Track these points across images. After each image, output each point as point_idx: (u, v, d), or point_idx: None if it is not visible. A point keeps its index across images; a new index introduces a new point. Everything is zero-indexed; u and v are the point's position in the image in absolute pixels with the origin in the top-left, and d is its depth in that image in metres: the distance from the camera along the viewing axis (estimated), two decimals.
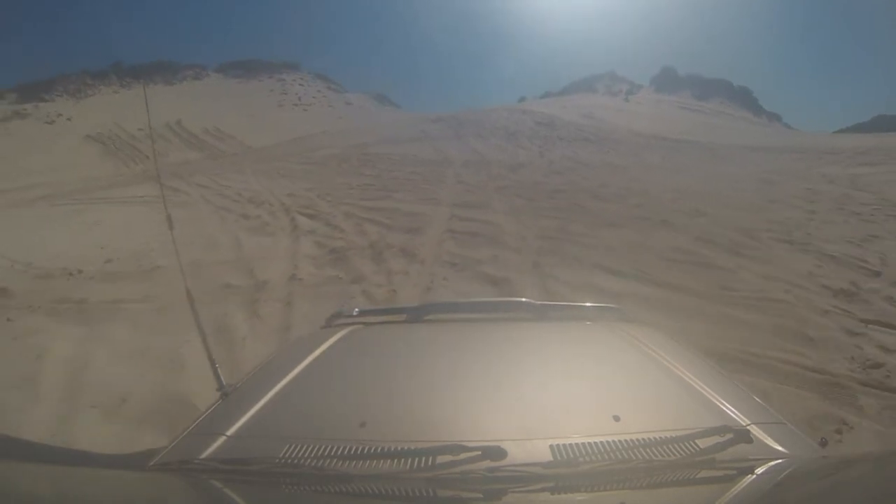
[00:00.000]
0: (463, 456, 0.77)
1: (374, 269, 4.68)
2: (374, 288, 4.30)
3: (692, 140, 18.91)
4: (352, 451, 0.82)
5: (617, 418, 0.91)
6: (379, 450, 0.82)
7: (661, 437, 0.84)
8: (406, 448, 0.80)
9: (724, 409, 0.97)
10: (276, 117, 40.68)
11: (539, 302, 1.72)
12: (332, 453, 0.82)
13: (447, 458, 0.77)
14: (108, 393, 2.78)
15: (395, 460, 0.79)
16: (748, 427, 0.89)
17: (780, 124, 42.44)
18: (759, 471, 0.78)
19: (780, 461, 0.83)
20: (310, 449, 0.84)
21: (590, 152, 14.28)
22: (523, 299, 1.77)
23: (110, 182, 15.05)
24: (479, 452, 0.76)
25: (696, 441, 0.81)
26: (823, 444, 0.96)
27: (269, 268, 4.80)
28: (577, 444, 0.82)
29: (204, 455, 0.86)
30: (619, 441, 0.83)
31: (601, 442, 0.82)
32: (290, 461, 0.81)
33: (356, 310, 1.76)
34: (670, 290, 4.11)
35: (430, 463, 0.78)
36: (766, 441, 0.87)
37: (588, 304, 2.00)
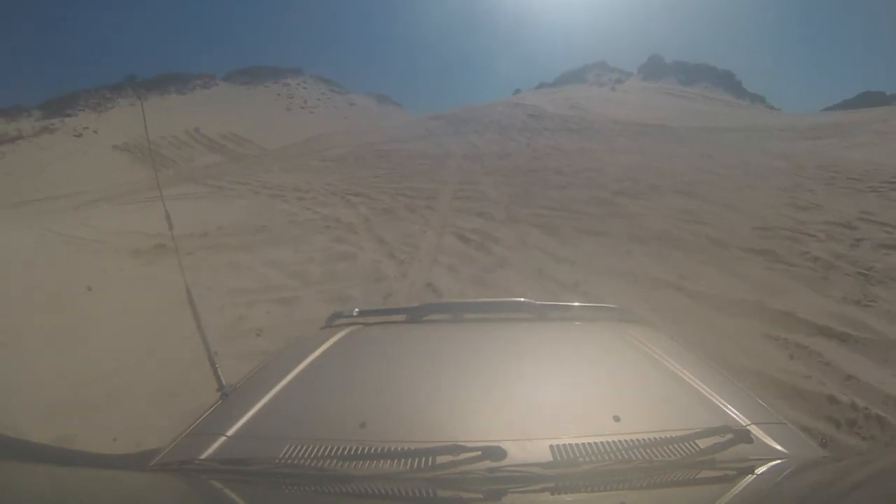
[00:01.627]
0: (463, 456, 0.78)
1: (412, 215, 7.49)
2: (416, 221, 7.15)
3: (664, 125, 20.94)
4: (352, 452, 0.84)
5: (617, 418, 0.92)
6: (379, 450, 0.83)
7: (661, 438, 0.85)
8: (406, 448, 0.81)
9: (724, 409, 0.98)
10: (286, 120, 42.97)
11: (539, 302, 1.74)
12: (332, 453, 0.83)
13: (447, 458, 0.79)
14: (293, 261, 5.50)
15: (395, 460, 0.80)
16: (748, 427, 0.90)
17: (762, 106, 44.15)
18: (759, 471, 0.79)
19: (780, 461, 0.84)
20: (310, 449, 0.85)
21: (569, 140, 16.62)
22: (523, 299, 1.78)
23: (151, 185, 16.32)
24: (479, 452, 0.77)
25: (696, 441, 0.82)
26: (823, 444, 0.96)
27: (346, 218, 7.48)
28: (577, 445, 0.83)
29: (204, 455, 0.88)
30: (619, 441, 0.84)
31: (601, 442, 0.83)
32: (290, 461, 0.82)
33: (356, 310, 1.78)
34: (579, 213, 6.90)
35: (430, 463, 0.79)
36: (766, 441, 0.88)
37: (588, 305, 2.05)
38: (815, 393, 2.59)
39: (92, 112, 46.76)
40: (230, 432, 0.94)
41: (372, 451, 0.83)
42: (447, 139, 17.86)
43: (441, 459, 0.79)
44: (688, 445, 0.82)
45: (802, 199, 7.31)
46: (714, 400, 1.01)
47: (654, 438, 0.85)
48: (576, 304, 2.02)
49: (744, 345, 3.08)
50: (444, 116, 23.83)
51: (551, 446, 0.83)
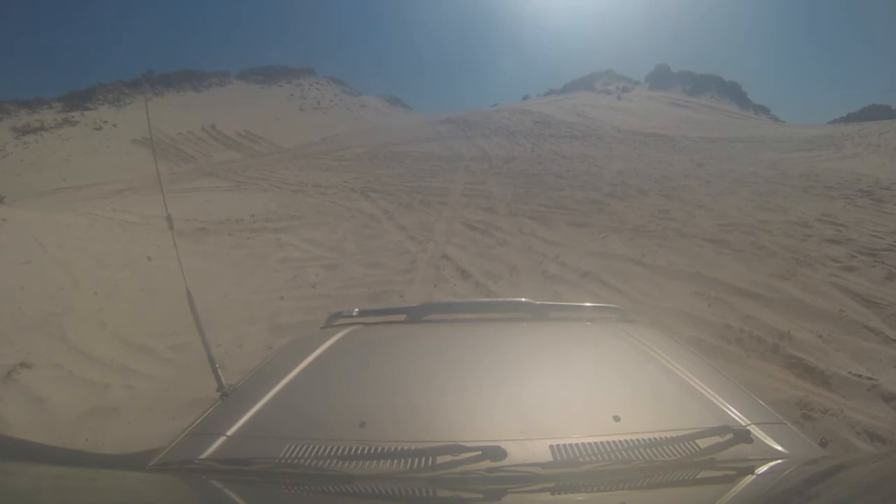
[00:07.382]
0: (463, 456, 0.78)
1: (426, 209, 8.48)
2: (430, 213, 8.14)
3: (665, 134, 21.67)
4: (352, 451, 0.84)
5: (617, 418, 0.92)
6: (379, 450, 0.83)
7: (661, 438, 0.85)
8: (406, 448, 0.82)
9: (724, 409, 0.98)
10: (300, 120, 43.93)
11: (539, 302, 1.74)
12: (332, 453, 0.84)
13: (447, 458, 0.79)
14: (330, 240, 6.51)
15: (395, 460, 0.80)
16: (748, 427, 0.90)
17: (766, 117, 44.64)
18: (759, 471, 0.79)
19: (780, 461, 0.84)
20: (310, 449, 0.85)
21: (572, 147, 17.48)
22: (523, 299, 1.78)
23: (172, 179, 16.87)
24: (479, 452, 0.78)
25: (696, 441, 0.83)
26: (823, 444, 0.97)
27: (369, 210, 8.52)
28: (577, 445, 0.84)
29: (204, 455, 0.88)
30: (620, 441, 0.84)
31: (601, 442, 0.83)
32: (290, 461, 0.83)
33: (356, 310, 1.79)
34: (571, 210, 7.85)
35: (430, 463, 0.80)
36: (766, 441, 0.88)
37: (588, 304, 2.07)
38: (718, 323, 3.57)
39: (111, 106, 47.59)
40: (230, 432, 0.95)
41: (372, 451, 0.83)
42: (457, 142, 18.66)
43: (441, 459, 0.80)
44: (688, 445, 0.83)
45: (772, 203, 8.06)
46: (714, 400, 1.02)
47: (654, 438, 0.85)
48: (576, 304, 2.09)
49: (676, 297, 4.11)
50: (453, 120, 24.52)
51: (551, 446, 0.83)
